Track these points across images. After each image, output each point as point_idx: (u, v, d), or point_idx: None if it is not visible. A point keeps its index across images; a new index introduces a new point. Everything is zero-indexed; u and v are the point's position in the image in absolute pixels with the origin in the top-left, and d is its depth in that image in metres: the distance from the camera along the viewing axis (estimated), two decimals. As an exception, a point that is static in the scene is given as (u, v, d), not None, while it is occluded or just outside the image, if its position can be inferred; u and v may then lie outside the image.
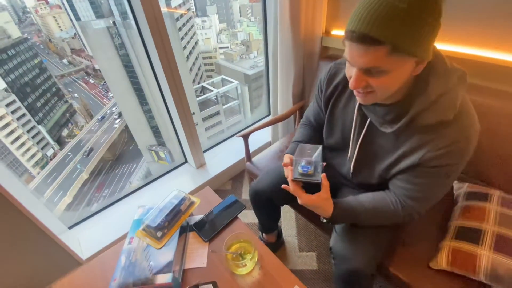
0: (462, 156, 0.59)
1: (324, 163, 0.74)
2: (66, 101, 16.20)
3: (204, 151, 1.89)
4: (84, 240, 1.39)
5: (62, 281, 0.72)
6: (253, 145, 1.86)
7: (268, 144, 1.91)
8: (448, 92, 0.56)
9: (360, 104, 0.70)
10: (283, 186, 0.71)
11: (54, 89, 15.53)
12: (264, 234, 1.26)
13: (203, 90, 14.30)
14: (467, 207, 0.91)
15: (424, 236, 0.92)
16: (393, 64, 0.50)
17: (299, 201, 0.69)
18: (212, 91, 14.01)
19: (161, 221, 0.70)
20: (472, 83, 0.98)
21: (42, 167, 13.65)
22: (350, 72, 0.56)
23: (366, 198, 0.73)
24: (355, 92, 0.61)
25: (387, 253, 0.87)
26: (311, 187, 0.69)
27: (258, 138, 1.93)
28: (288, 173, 0.70)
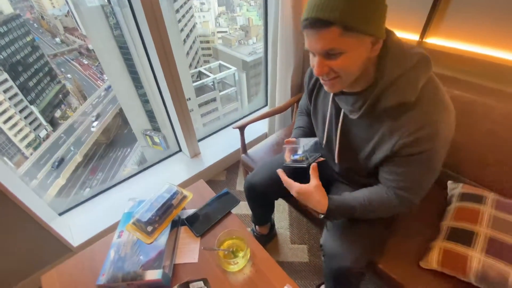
0: (432, 141, 0.58)
1: (321, 157, 0.76)
2: (59, 82, 15.79)
3: (199, 140, 1.86)
4: (75, 227, 1.37)
5: (51, 272, 0.71)
6: (249, 136, 1.84)
7: (264, 136, 1.89)
8: (406, 74, 0.57)
9: (334, 96, 0.72)
10: (278, 170, 0.76)
11: (46, 69, 15.08)
12: (257, 226, 1.26)
13: (200, 75, 14.03)
14: (460, 208, 0.91)
15: (416, 235, 0.93)
16: (348, 44, 0.52)
17: (292, 192, 0.72)
18: (209, 76, 13.75)
19: (151, 215, 0.68)
20: (473, 82, 0.97)
21: (35, 148, 13.47)
22: (313, 61, 0.58)
23: (360, 192, 0.74)
24: (322, 81, 0.63)
25: (378, 251, 0.87)
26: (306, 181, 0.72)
27: (254, 129, 1.90)
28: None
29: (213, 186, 1.68)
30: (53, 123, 14.66)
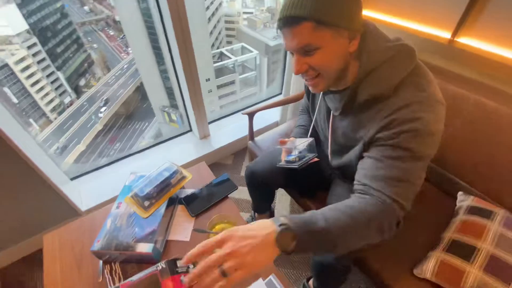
0: (408, 123, 0.52)
1: (315, 158, 0.76)
2: (85, 51, 16.17)
3: (210, 122, 1.87)
4: (85, 193, 1.45)
5: (53, 233, 0.75)
6: (260, 123, 1.82)
7: (275, 124, 1.87)
8: (379, 67, 0.56)
9: (324, 95, 0.72)
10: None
11: (74, 37, 15.45)
12: (256, 213, 1.27)
13: (221, 56, 13.89)
14: (466, 222, 0.87)
15: (416, 242, 0.91)
16: (323, 39, 0.53)
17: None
18: (230, 58, 13.58)
19: (149, 191, 0.70)
20: (501, 89, 0.90)
21: (59, 113, 14.09)
22: (293, 61, 0.58)
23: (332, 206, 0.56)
24: (305, 82, 0.63)
25: (366, 249, 0.85)
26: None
27: (266, 117, 1.88)
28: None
29: (218, 169, 1.71)
30: (77, 91, 15.19)
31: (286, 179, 0.99)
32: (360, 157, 0.63)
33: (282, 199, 1.49)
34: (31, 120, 12.67)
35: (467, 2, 0.92)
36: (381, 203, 0.52)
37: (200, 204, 0.79)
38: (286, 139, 0.84)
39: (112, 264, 0.67)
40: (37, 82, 12.71)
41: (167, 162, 0.77)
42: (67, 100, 14.40)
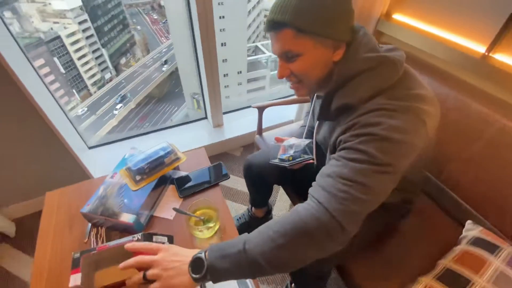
0: (366, 128, 0.50)
1: (311, 160, 0.76)
2: (129, 31, 17.06)
3: (226, 113, 1.90)
4: (99, 162, 1.54)
5: (55, 192, 0.82)
6: (275, 120, 1.81)
7: (290, 123, 1.84)
8: (356, 77, 0.55)
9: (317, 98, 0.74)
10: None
11: (121, 17, 16.35)
12: (253, 207, 1.28)
13: (256, 50, 13.92)
14: (467, 252, 0.80)
15: (409, 264, 0.86)
16: (303, 46, 0.53)
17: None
18: (264, 53, 13.57)
19: (142, 166, 0.73)
20: None
21: (99, 88, 15.06)
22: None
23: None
24: (290, 87, 0.64)
25: (345, 258, 0.84)
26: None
27: (282, 114, 1.87)
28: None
29: (227, 160, 1.73)
30: (117, 69, 16.14)
31: (281, 176, 0.99)
32: None
33: (282, 197, 1.48)
34: (74, 90, 13.72)
35: (507, 16, 0.84)
36: (316, 218, 0.46)
37: (190, 187, 0.81)
38: (283, 137, 0.83)
39: (99, 228, 0.72)
40: (83, 56, 13.68)
41: (164, 142, 0.80)
42: (107, 76, 15.35)
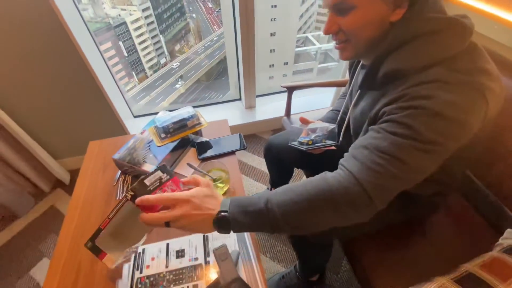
0: (418, 100, 0.44)
1: (332, 146, 0.72)
2: (185, 19, 17.97)
3: (261, 96, 1.92)
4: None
5: (97, 142, 0.94)
6: (310, 106, 1.78)
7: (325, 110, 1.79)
8: (414, 41, 0.48)
9: (361, 69, 0.67)
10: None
11: (179, 5, 17.28)
12: (272, 188, 1.29)
13: (305, 41, 13.52)
14: (496, 259, 0.71)
15: (429, 264, 0.79)
16: None
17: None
18: (314, 45, 13.10)
19: (167, 125, 0.80)
20: None
21: (155, 71, 16.31)
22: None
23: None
24: (335, 48, 0.58)
25: (349, 235, 0.81)
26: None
27: (318, 100, 1.83)
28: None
29: (255, 141, 1.76)
30: (172, 55, 17.23)
31: (301, 159, 0.97)
32: None
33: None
34: (133, 72, 15.09)
35: None
36: (344, 187, 0.45)
37: (209, 151, 0.86)
38: (309, 120, 0.80)
39: (126, 176, 0.81)
40: (143, 41, 14.90)
41: (189, 107, 0.86)
42: (162, 61, 16.52)
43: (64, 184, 1.54)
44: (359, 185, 0.45)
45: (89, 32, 1.31)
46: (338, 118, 0.82)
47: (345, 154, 0.52)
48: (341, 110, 0.82)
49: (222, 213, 0.47)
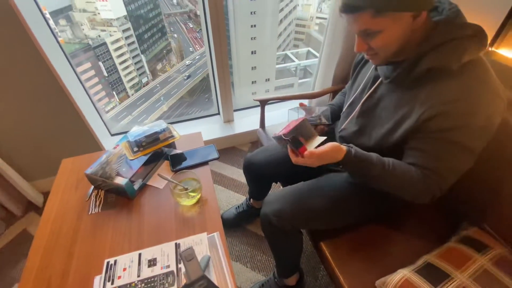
0: (464, 118, 0.54)
1: (325, 124, 0.81)
2: (167, 39, 18.21)
3: (237, 110, 1.98)
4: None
5: (70, 159, 0.95)
6: (286, 117, 1.85)
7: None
8: (453, 41, 0.54)
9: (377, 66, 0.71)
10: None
11: (160, 26, 17.56)
12: (251, 199, 1.32)
13: (285, 58, 14.02)
14: (451, 248, 0.78)
15: (393, 256, 0.85)
16: (383, 24, 0.53)
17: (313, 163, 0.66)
18: (293, 61, 13.61)
19: (139, 139, 0.83)
20: None
21: (136, 91, 16.19)
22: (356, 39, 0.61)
23: (387, 158, 0.67)
24: (365, 56, 0.64)
25: (311, 218, 0.82)
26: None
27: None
28: None
29: (235, 153, 1.80)
30: (154, 74, 17.27)
31: (280, 175, 1.02)
32: (392, 140, 0.65)
33: (283, 192, 1.50)
34: (114, 92, 14.91)
35: (508, 9, 0.82)
36: (426, 187, 0.62)
37: (182, 163, 0.89)
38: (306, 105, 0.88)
39: (99, 190, 0.82)
40: (124, 61, 14.88)
41: (161, 121, 0.89)
42: (144, 80, 16.48)
43: (37, 206, 1.49)
44: (438, 189, 0.63)
45: (64, 53, 1.33)
46: (344, 109, 0.86)
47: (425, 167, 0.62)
48: (347, 102, 0.86)
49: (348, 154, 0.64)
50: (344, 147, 0.64)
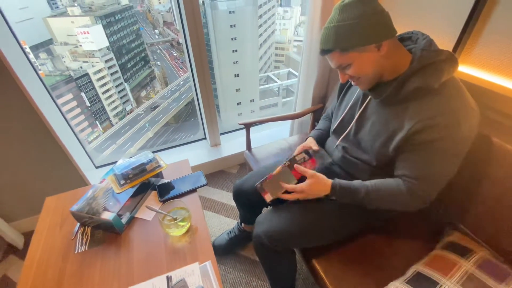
0: (449, 129, 0.63)
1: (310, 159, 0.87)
2: (150, 67, 18.44)
3: (224, 133, 2.01)
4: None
5: (54, 197, 0.92)
6: (271, 138, 1.90)
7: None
8: (431, 64, 0.64)
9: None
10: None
11: (143, 55, 17.84)
12: (243, 223, 1.31)
13: (267, 80, 14.51)
14: (438, 256, 0.80)
15: (382, 269, 0.86)
16: (351, 58, 0.67)
17: (299, 196, 0.80)
18: (275, 82, 14.11)
19: (126, 172, 0.83)
20: (506, 124, 0.81)
21: (120, 119, 16.02)
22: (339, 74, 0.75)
23: (370, 180, 0.77)
24: (352, 83, 0.77)
25: (303, 236, 0.84)
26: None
27: (277, 133, 1.96)
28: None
29: (223, 176, 1.81)
30: (138, 101, 17.25)
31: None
32: (388, 151, 0.72)
33: (274, 213, 1.50)
34: (97, 122, 14.67)
35: (461, 25, 0.90)
36: (412, 197, 0.71)
37: (170, 192, 0.89)
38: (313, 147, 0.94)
39: (86, 227, 0.80)
40: (107, 90, 14.84)
41: (148, 152, 0.90)
42: (128, 107, 16.39)
43: (17, 249, 1.41)
44: (421, 198, 0.72)
45: (45, 86, 1.32)
46: (334, 126, 0.93)
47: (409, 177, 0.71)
48: (337, 120, 0.92)
49: (332, 197, 0.78)
50: (328, 182, 0.77)
